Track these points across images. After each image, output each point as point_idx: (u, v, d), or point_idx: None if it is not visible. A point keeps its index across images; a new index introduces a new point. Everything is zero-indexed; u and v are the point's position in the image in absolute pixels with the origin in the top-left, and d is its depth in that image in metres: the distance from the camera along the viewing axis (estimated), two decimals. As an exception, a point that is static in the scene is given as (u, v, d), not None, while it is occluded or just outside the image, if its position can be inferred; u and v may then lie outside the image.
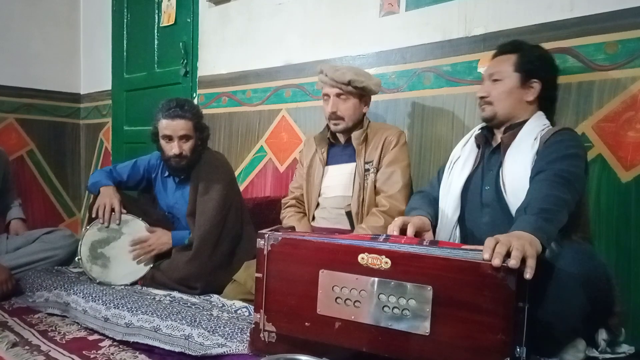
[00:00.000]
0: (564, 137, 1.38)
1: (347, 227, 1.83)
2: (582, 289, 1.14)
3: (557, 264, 1.16)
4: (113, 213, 1.97)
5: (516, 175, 1.39)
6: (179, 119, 1.96)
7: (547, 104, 1.53)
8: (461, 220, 1.53)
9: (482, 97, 1.53)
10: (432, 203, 1.60)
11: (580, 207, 1.36)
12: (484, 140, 1.57)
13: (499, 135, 1.54)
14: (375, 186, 1.80)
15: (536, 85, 1.48)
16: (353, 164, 1.86)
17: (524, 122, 1.48)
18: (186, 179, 2.08)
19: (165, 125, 1.97)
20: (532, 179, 1.34)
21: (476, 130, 1.63)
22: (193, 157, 2.02)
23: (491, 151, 1.54)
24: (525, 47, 1.51)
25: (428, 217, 1.49)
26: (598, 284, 1.18)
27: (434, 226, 1.53)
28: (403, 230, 1.35)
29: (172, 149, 1.97)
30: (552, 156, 1.33)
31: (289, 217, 1.98)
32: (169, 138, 1.98)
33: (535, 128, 1.44)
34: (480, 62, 1.85)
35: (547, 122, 1.47)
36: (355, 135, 1.86)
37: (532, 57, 1.48)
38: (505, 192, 1.40)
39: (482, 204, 1.49)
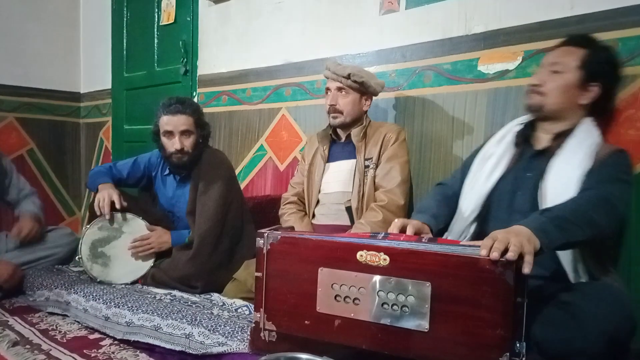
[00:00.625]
0: (619, 161, 1.30)
1: (347, 222, 1.84)
2: (599, 330, 1.06)
3: (579, 296, 1.12)
4: (113, 212, 1.96)
5: (560, 188, 1.27)
6: (180, 114, 1.96)
7: (598, 114, 1.40)
8: (481, 218, 1.44)
9: (534, 85, 1.41)
10: (446, 202, 1.51)
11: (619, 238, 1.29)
12: (523, 139, 1.45)
13: (543, 136, 1.42)
14: (374, 182, 1.81)
15: (595, 90, 1.37)
16: (353, 161, 1.87)
17: (573, 128, 1.37)
18: (187, 177, 2.07)
19: (167, 121, 1.97)
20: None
21: (514, 126, 1.50)
22: (194, 153, 2.02)
23: (532, 155, 1.41)
24: (596, 45, 1.40)
25: (431, 222, 1.42)
26: (619, 334, 1.07)
27: (442, 231, 1.47)
28: (403, 231, 1.34)
29: (174, 144, 1.96)
30: (603, 176, 1.25)
31: (289, 214, 1.98)
32: (170, 134, 1.98)
33: (586, 139, 1.33)
34: (480, 60, 1.85)
35: (598, 132, 1.36)
36: (355, 132, 1.88)
37: (600, 58, 1.37)
38: (544, 202, 1.28)
39: (512, 208, 1.38)
